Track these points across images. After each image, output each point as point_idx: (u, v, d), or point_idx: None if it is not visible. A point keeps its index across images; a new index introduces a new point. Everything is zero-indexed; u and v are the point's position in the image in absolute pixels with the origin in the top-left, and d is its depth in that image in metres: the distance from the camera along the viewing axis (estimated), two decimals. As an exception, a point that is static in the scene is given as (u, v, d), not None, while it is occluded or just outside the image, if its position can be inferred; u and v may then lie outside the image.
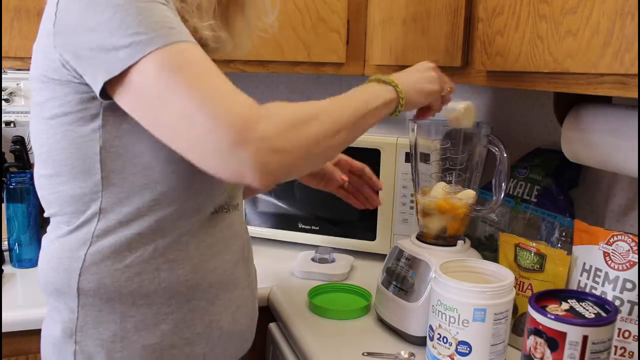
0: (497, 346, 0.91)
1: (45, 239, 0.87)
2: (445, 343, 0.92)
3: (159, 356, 0.83)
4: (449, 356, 0.92)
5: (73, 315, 0.83)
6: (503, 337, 0.92)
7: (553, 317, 0.75)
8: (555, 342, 0.75)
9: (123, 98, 0.71)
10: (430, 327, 0.96)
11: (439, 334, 0.93)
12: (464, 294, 0.89)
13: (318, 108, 0.75)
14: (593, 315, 0.76)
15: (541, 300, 0.80)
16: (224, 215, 0.90)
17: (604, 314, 0.77)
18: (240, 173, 0.67)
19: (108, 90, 0.72)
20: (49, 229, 0.87)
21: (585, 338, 0.74)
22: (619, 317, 0.88)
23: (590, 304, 0.80)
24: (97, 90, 0.72)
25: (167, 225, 0.81)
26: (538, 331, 0.77)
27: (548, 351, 0.76)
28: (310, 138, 0.72)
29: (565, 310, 0.77)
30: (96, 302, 0.81)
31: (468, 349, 0.90)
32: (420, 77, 0.93)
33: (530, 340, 0.79)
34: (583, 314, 0.77)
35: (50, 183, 0.82)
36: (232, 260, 0.91)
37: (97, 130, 0.77)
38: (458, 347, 0.90)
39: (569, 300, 0.80)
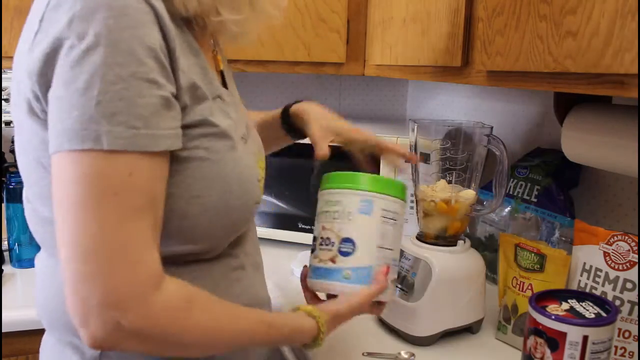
0: (386, 251, 0.85)
1: (40, 262, 0.76)
2: (327, 245, 0.84)
3: None
4: (331, 259, 0.83)
5: (96, 352, 0.71)
6: (392, 244, 0.85)
7: (553, 317, 0.75)
8: (555, 342, 0.75)
9: (54, 170, 0.60)
10: (314, 238, 0.88)
11: (321, 237, 0.85)
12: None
13: (213, 337, 0.66)
14: (593, 315, 0.76)
15: (541, 300, 0.80)
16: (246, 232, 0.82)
17: (604, 314, 0.77)
18: (84, 326, 0.59)
19: None
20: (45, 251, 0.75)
21: (585, 338, 0.74)
22: (619, 317, 0.88)
23: (591, 304, 0.80)
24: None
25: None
26: (538, 331, 0.77)
27: (548, 351, 0.76)
28: (168, 354, 0.64)
29: (566, 310, 0.77)
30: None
31: (352, 247, 0.82)
32: (350, 316, 0.84)
33: (531, 340, 0.79)
34: (583, 314, 0.77)
35: (33, 212, 0.73)
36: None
37: None
38: (341, 246, 0.83)
39: (569, 300, 0.80)
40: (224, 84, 0.81)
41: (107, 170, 0.57)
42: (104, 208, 0.57)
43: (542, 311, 0.77)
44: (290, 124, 1.05)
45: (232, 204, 0.70)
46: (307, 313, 0.79)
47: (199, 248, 0.70)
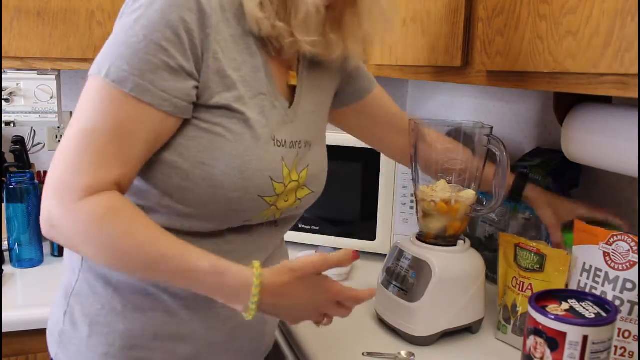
0: None
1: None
2: None
3: (135, 344, 0.82)
4: None
5: (74, 277, 0.85)
6: None
7: (553, 317, 0.75)
8: (555, 342, 0.75)
9: None
10: None
11: None
12: None
13: (128, 246, 0.71)
14: (593, 315, 0.76)
15: (541, 300, 0.80)
16: (247, 229, 0.85)
17: (604, 314, 0.77)
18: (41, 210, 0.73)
19: None
20: None
21: (585, 338, 0.73)
22: (619, 317, 0.88)
23: (591, 304, 0.80)
24: None
25: (177, 227, 0.79)
26: (538, 331, 0.77)
27: (548, 351, 0.76)
28: (91, 255, 0.74)
29: (565, 310, 0.77)
30: (94, 269, 0.83)
31: None
32: (299, 310, 0.79)
33: (531, 340, 0.79)
34: (583, 314, 0.77)
35: None
36: None
37: None
38: None
39: (569, 300, 0.80)
40: (292, 98, 0.87)
41: (99, 94, 0.71)
42: (84, 119, 0.71)
43: (542, 311, 0.77)
44: (519, 196, 1.13)
45: (230, 183, 0.76)
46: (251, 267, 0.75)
47: (192, 212, 0.78)
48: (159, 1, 0.71)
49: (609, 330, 0.75)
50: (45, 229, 0.73)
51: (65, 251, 0.92)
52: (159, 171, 0.77)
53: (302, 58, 0.90)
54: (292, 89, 0.88)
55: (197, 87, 0.75)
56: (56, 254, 1.48)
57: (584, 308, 0.78)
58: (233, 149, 0.77)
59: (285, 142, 0.84)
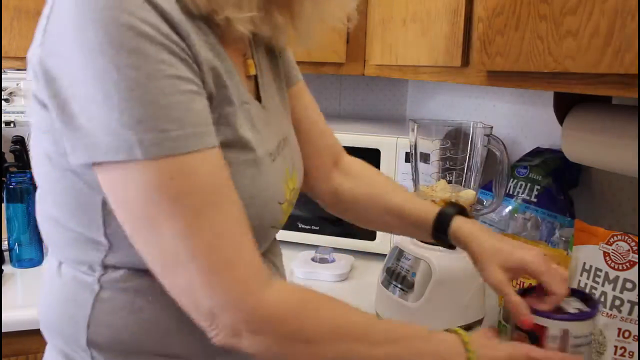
0: None
1: (48, 270, 0.72)
2: None
3: None
4: None
5: None
6: None
7: (534, 311, 0.75)
8: (536, 336, 0.75)
9: (105, 188, 0.57)
10: None
11: None
12: None
13: (343, 335, 0.62)
14: (575, 310, 0.76)
15: (526, 295, 0.80)
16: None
17: (586, 309, 0.77)
18: (209, 332, 0.59)
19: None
20: (49, 258, 0.72)
21: (565, 332, 0.73)
22: (619, 316, 0.88)
23: (575, 299, 0.80)
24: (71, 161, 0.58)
25: None
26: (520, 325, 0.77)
27: None
28: (303, 354, 0.61)
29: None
30: (110, 354, 0.66)
31: None
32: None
33: (513, 335, 0.79)
34: (566, 309, 0.77)
35: (46, 216, 0.69)
36: None
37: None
38: None
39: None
40: (259, 93, 0.76)
41: (157, 180, 0.54)
42: (172, 216, 0.54)
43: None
44: (447, 240, 0.87)
45: None
46: (454, 332, 0.70)
47: None
48: (107, 16, 0.52)
49: (590, 325, 0.75)
50: (227, 343, 0.58)
51: (58, 337, 0.69)
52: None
53: (254, 43, 0.77)
54: (251, 80, 0.75)
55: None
56: (56, 254, 1.48)
57: (567, 303, 0.78)
58: (238, 186, 0.62)
59: (274, 150, 0.72)
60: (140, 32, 0.52)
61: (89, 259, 0.65)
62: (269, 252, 0.80)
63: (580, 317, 0.75)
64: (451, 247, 0.88)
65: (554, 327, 0.73)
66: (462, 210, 0.88)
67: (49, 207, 0.66)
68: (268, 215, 0.69)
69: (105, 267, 0.65)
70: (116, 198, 0.57)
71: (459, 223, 0.85)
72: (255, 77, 0.76)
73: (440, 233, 0.86)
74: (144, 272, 0.61)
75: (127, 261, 0.63)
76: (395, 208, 0.91)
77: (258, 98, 0.74)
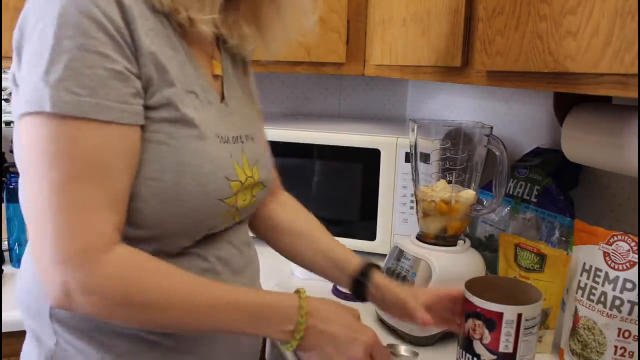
0: None
1: (25, 250, 0.80)
2: None
3: None
4: None
5: (51, 341, 0.74)
6: None
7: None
8: (493, 322, 0.81)
9: (20, 140, 0.66)
10: None
11: None
12: None
13: (168, 301, 0.66)
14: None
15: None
16: (222, 235, 0.80)
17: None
18: (45, 284, 0.64)
19: None
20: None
21: (519, 316, 0.80)
22: (619, 316, 0.88)
23: None
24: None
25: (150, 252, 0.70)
26: (476, 314, 0.82)
27: (487, 331, 0.81)
28: (125, 320, 0.67)
29: None
30: (72, 330, 0.73)
31: None
32: (342, 344, 0.74)
33: (469, 323, 0.83)
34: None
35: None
36: None
37: None
38: None
39: None
40: (221, 90, 0.82)
41: (54, 134, 0.61)
42: (53, 170, 0.61)
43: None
44: (364, 289, 0.93)
45: (185, 193, 0.69)
46: (296, 292, 0.75)
47: (149, 234, 0.70)
48: (72, 5, 0.61)
49: (538, 307, 0.82)
50: (60, 303, 0.64)
51: (28, 316, 0.78)
52: None
53: (222, 45, 0.85)
54: (218, 80, 0.82)
55: (143, 87, 0.67)
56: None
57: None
58: (180, 156, 0.69)
59: (228, 138, 0.77)
60: (86, 12, 0.61)
61: None
62: (233, 236, 0.82)
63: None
64: (364, 299, 0.94)
65: (509, 312, 0.80)
66: (377, 265, 0.95)
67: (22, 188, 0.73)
68: (212, 185, 0.72)
69: None
70: (21, 145, 0.65)
71: (377, 274, 0.93)
72: (222, 78, 0.83)
73: (359, 282, 0.93)
74: None
75: None
76: (325, 250, 0.97)
77: (221, 95, 0.81)
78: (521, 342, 0.81)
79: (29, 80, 0.63)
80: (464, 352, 0.85)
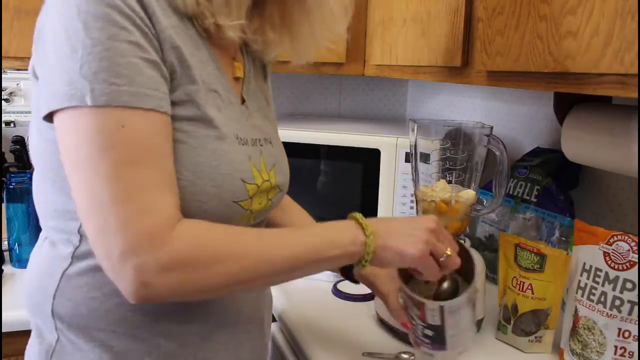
0: None
1: (35, 246, 0.81)
2: None
3: None
4: None
5: (52, 337, 0.74)
6: None
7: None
8: (417, 305, 0.83)
9: (58, 136, 0.65)
10: None
11: None
12: None
13: (243, 249, 0.67)
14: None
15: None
16: None
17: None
18: (118, 281, 0.63)
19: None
20: (40, 234, 0.80)
21: (441, 307, 0.81)
22: (619, 316, 0.88)
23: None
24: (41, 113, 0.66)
25: None
26: (405, 294, 0.84)
27: (415, 308, 0.84)
28: (210, 284, 0.65)
29: None
30: (72, 328, 0.73)
31: None
32: (408, 235, 0.76)
33: (401, 294, 0.88)
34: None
35: (38, 186, 0.76)
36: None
37: None
38: None
39: None
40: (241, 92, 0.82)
41: (100, 125, 0.61)
42: (104, 161, 0.61)
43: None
44: (352, 274, 0.94)
45: (203, 193, 0.69)
46: (351, 216, 0.76)
47: None
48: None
49: (461, 299, 0.82)
50: (140, 294, 0.62)
51: (33, 312, 0.77)
52: None
53: (244, 48, 0.85)
54: (238, 82, 0.82)
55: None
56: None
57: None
58: (198, 156, 0.69)
59: (247, 140, 0.77)
60: (110, 3, 0.62)
61: (67, 229, 0.72)
62: None
63: (452, 296, 0.84)
64: (354, 280, 0.95)
65: (430, 304, 0.82)
66: None
67: (39, 182, 0.75)
68: (228, 186, 0.72)
69: (82, 237, 0.71)
70: (62, 142, 0.64)
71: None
72: (243, 80, 0.83)
73: (348, 268, 0.91)
74: None
75: None
76: None
77: (241, 96, 0.82)
78: (448, 318, 0.82)
79: (62, 74, 0.62)
80: (409, 312, 0.88)
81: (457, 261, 0.79)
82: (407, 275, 0.84)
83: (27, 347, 0.81)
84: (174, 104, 0.67)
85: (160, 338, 0.74)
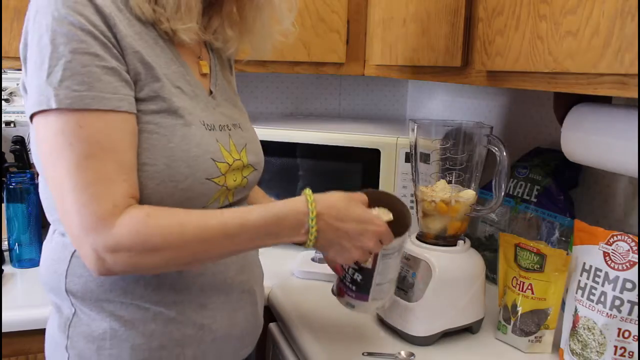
0: None
1: (45, 240, 0.90)
2: None
3: (147, 356, 0.83)
4: None
5: (70, 310, 0.85)
6: None
7: None
8: None
9: (35, 137, 0.76)
10: None
11: None
12: None
13: (179, 234, 0.74)
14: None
15: None
16: None
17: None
18: (82, 257, 0.74)
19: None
20: (49, 229, 0.89)
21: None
22: (619, 316, 0.88)
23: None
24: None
25: None
26: None
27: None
28: (155, 265, 0.75)
29: None
30: (85, 301, 0.83)
31: None
32: (350, 247, 0.83)
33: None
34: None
35: (42, 185, 0.86)
36: (226, 262, 0.89)
37: None
38: None
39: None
40: (209, 86, 0.92)
41: (62, 126, 0.71)
42: (66, 155, 0.71)
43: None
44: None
45: (177, 174, 0.78)
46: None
47: None
48: (53, 9, 0.71)
49: (399, 240, 0.88)
50: (98, 268, 0.73)
51: (50, 290, 0.87)
52: None
53: (209, 47, 0.96)
54: (206, 77, 0.92)
55: (132, 81, 0.77)
56: (56, 254, 1.48)
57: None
58: (170, 142, 0.78)
59: (214, 126, 0.87)
60: (73, 22, 0.72)
61: None
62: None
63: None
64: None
65: None
66: None
67: (42, 180, 0.85)
68: (200, 165, 0.81)
69: None
70: (37, 141, 0.75)
71: None
72: (210, 76, 0.93)
73: None
74: None
75: None
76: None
77: (208, 90, 0.92)
78: (380, 262, 0.89)
79: (35, 85, 0.73)
80: None
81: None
82: None
83: (48, 321, 0.91)
84: (143, 100, 0.77)
85: (161, 306, 0.83)
